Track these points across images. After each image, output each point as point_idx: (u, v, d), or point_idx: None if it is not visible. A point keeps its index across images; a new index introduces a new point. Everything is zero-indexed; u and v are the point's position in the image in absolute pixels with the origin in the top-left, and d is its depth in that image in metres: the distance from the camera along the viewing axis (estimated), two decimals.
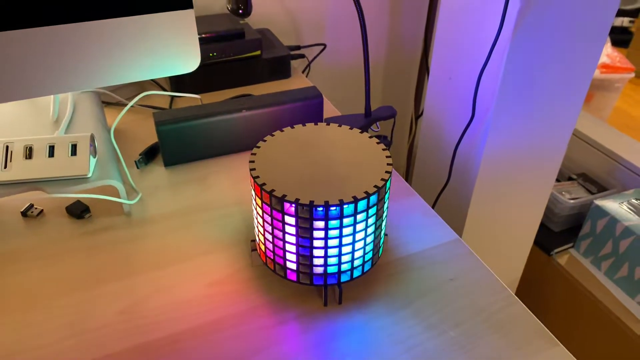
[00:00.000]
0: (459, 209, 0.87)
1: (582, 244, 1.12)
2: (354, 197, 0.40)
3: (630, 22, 2.67)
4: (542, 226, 1.19)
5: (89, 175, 0.51)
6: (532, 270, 1.17)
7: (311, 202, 0.39)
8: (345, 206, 0.39)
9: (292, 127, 0.48)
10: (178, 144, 0.61)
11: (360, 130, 0.48)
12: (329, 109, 0.76)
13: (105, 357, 0.40)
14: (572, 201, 1.13)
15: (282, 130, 0.47)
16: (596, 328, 1.05)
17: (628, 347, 0.98)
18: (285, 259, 0.43)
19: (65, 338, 0.42)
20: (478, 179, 0.81)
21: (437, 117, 0.88)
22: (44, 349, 0.41)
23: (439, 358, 0.41)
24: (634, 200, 1.06)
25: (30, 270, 0.48)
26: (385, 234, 0.51)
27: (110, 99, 0.74)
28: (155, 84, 0.80)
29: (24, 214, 0.54)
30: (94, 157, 0.53)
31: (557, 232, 1.17)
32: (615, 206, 1.05)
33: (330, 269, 0.43)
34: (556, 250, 1.14)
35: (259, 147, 0.45)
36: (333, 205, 0.39)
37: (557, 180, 1.27)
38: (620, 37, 2.57)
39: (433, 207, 0.92)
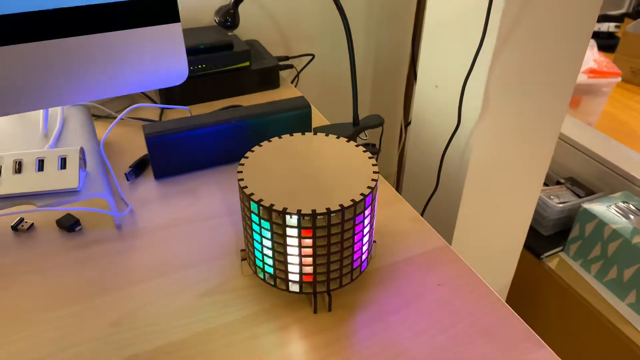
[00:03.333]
0: (448, 215, 0.88)
1: (572, 247, 1.13)
2: (341, 206, 0.40)
3: (616, 27, 2.72)
4: (532, 230, 1.20)
5: (79, 188, 0.51)
6: (523, 275, 1.18)
7: (299, 211, 0.40)
8: (332, 214, 0.40)
9: (280, 137, 0.49)
10: (168, 156, 0.61)
11: (347, 139, 0.48)
12: (318, 119, 0.77)
13: None
14: (560, 205, 1.14)
15: (270, 141, 0.48)
16: (587, 330, 1.06)
17: (618, 349, 0.99)
18: (274, 268, 0.44)
19: (56, 351, 0.42)
20: (466, 185, 0.82)
21: (424, 124, 0.89)
22: None
23: None
24: (621, 203, 1.07)
25: (21, 284, 0.48)
26: (374, 241, 0.52)
27: (99, 112, 0.74)
28: (145, 96, 0.81)
29: (15, 228, 0.54)
30: (84, 170, 0.53)
31: (546, 236, 1.19)
32: (603, 209, 1.06)
33: (320, 277, 0.44)
34: (546, 254, 1.15)
35: (247, 157, 0.46)
36: (321, 214, 0.40)
37: (546, 184, 1.29)
38: (606, 42, 2.61)
39: (422, 213, 0.93)
